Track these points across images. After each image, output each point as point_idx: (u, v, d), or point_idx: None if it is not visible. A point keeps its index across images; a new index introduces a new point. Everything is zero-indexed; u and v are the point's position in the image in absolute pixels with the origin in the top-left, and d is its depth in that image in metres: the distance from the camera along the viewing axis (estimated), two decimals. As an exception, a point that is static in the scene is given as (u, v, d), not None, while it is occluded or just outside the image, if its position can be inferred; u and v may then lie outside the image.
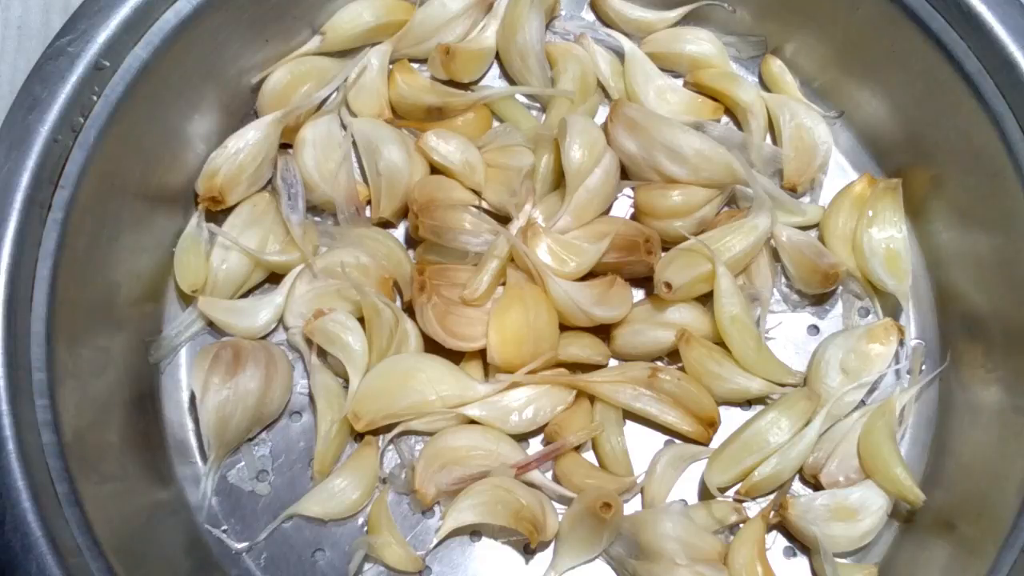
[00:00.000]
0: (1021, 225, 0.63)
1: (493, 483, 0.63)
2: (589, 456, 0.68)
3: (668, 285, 0.65)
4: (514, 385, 0.66)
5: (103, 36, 0.63)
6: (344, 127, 0.73)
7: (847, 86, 0.74)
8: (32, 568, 0.54)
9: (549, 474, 0.66)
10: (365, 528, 0.66)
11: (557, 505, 0.66)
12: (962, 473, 0.65)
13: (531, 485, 0.65)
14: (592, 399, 0.67)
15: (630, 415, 0.68)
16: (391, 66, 0.75)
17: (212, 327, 0.70)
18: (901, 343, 0.68)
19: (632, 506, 0.66)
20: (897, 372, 0.69)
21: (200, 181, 0.70)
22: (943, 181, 0.69)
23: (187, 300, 0.70)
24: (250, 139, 0.70)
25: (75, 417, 0.59)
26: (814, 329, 0.71)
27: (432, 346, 0.67)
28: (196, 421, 0.67)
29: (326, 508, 0.66)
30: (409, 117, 0.74)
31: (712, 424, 0.67)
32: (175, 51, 0.66)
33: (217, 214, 0.71)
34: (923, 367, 0.70)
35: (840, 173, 0.74)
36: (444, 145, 0.71)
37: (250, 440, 0.68)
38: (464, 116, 0.73)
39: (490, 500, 0.63)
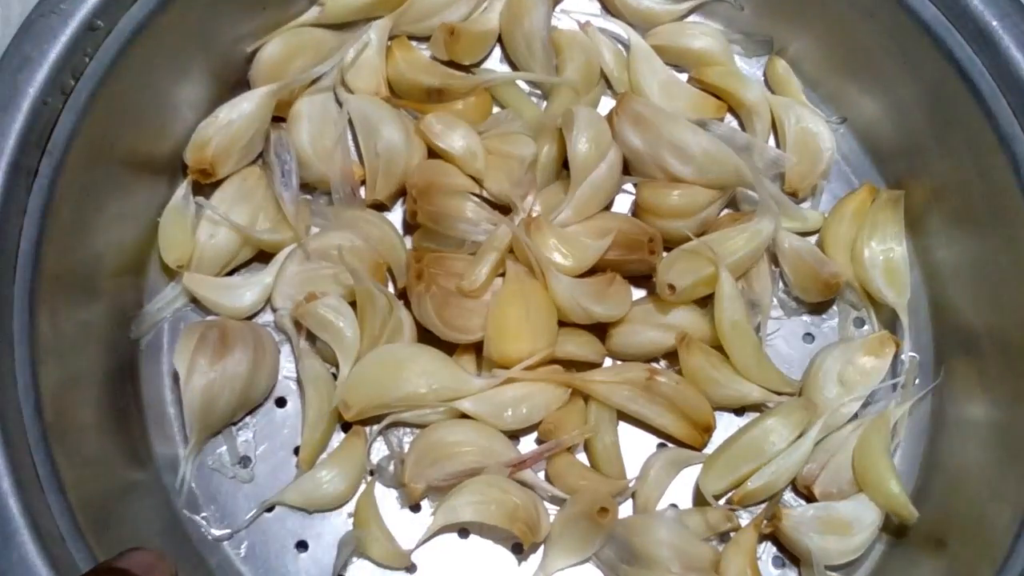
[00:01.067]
0: (1021, 246, 0.63)
1: (488, 481, 0.62)
2: (581, 455, 0.67)
3: (672, 287, 0.65)
4: (510, 380, 0.64)
5: (98, -7, 0.60)
6: (340, 104, 0.71)
7: (851, 92, 0.73)
8: (13, 557, 0.52)
9: (541, 474, 0.65)
10: (351, 519, 0.64)
11: (548, 505, 0.65)
12: (953, 490, 0.65)
13: (524, 484, 0.64)
14: (587, 398, 0.66)
15: (624, 415, 0.67)
16: (389, 42, 0.72)
17: (195, 304, 0.68)
18: (897, 356, 0.68)
19: (624, 509, 0.65)
20: (893, 386, 0.68)
21: (189, 151, 0.67)
22: (944, 195, 0.69)
23: (170, 275, 0.67)
24: (243, 110, 0.67)
25: (56, 395, 0.57)
26: (809, 337, 0.71)
27: (426, 335, 0.65)
28: (178, 402, 0.64)
29: (311, 499, 0.64)
30: (407, 96, 0.72)
31: (708, 430, 0.66)
32: (171, 13, 0.63)
33: (204, 187, 0.68)
34: (916, 381, 0.69)
35: (840, 180, 0.74)
36: (446, 130, 0.69)
37: (233, 424, 0.66)
38: (465, 100, 0.71)
39: (484, 499, 0.61)
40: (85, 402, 0.61)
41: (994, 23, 0.63)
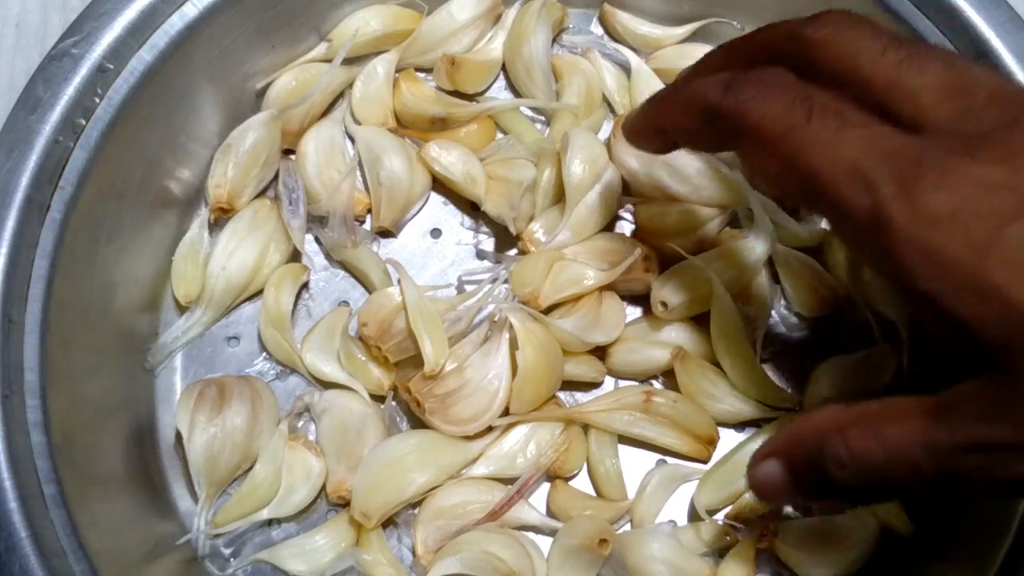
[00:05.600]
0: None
1: (477, 539, 0.62)
2: (584, 481, 0.67)
3: (664, 304, 0.65)
4: (512, 425, 0.65)
5: (108, 38, 0.63)
6: (351, 138, 0.73)
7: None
8: (15, 568, 0.54)
9: (543, 507, 0.66)
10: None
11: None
12: (954, 503, 0.64)
13: (523, 527, 0.65)
14: (586, 425, 0.67)
15: (625, 436, 0.67)
16: (397, 75, 0.75)
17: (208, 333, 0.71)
18: (898, 371, 0.68)
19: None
20: (894, 399, 0.68)
21: (210, 189, 0.70)
22: (947, 207, 0.68)
23: (182, 308, 0.70)
24: (249, 140, 0.70)
25: (66, 419, 0.60)
26: (812, 353, 0.70)
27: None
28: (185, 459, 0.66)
29: (302, 563, 0.65)
30: (413, 127, 0.74)
31: (712, 442, 0.67)
32: (179, 55, 0.66)
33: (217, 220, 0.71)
34: (920, 394, 0.69)
35: (845, 196, 0.74)
36: (446, 156, 0.71)
37: (238, 480, 0.67)
38: (467, 127, 0.73)
39: (475, 557, 0.62)
40: (97, 426, 0.64)
41: (988, 33, 0.63)
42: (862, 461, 0.45)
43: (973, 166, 0.42)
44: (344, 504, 0.65)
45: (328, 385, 0.68)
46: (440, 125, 0.73)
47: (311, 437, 0.68)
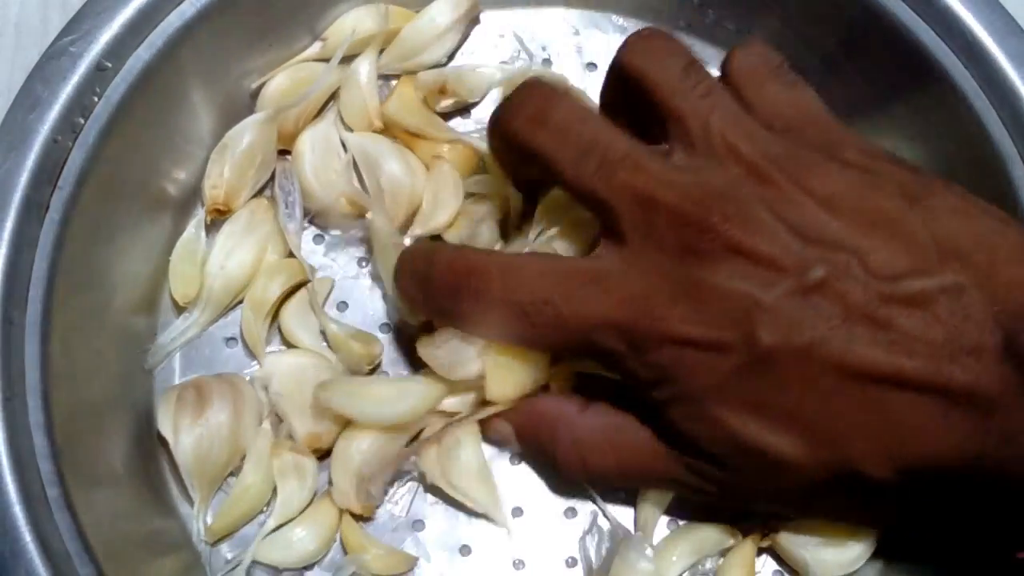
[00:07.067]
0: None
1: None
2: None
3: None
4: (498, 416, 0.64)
5: (106, 36, 0.62)
6: (343, 141, 0.73)
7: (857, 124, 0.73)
8: (21, 572, 0.54)
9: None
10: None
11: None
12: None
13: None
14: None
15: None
16: (395, 80, 0.74)
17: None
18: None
19: (626, 522, 0.66)
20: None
21: (206, 190, 0.70)
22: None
23: (180, 309, 0.70)
24: (244, 142, 0.70)
25: (68, 420, 0.59)
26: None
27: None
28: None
29: (283, 557, 0.64)
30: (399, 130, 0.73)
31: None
32: (177, 54, 0.65)
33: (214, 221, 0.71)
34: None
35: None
36: None
37: (233, 474, 0.66)
38: (452, 143, 0.72)
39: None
40: (99, 427, 0.63)
41: (983, 36, 0.64)
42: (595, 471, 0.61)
43: (679, 328, 0.50)
44: (325, 454, 0.66)
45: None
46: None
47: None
